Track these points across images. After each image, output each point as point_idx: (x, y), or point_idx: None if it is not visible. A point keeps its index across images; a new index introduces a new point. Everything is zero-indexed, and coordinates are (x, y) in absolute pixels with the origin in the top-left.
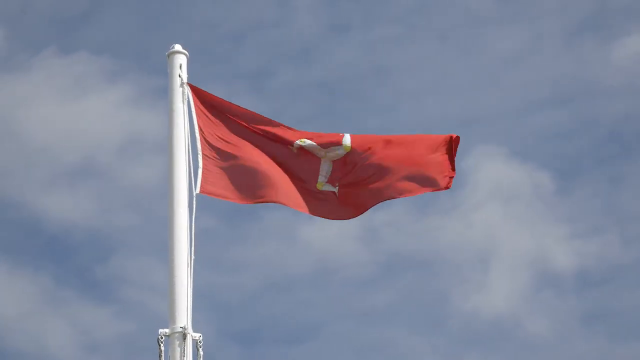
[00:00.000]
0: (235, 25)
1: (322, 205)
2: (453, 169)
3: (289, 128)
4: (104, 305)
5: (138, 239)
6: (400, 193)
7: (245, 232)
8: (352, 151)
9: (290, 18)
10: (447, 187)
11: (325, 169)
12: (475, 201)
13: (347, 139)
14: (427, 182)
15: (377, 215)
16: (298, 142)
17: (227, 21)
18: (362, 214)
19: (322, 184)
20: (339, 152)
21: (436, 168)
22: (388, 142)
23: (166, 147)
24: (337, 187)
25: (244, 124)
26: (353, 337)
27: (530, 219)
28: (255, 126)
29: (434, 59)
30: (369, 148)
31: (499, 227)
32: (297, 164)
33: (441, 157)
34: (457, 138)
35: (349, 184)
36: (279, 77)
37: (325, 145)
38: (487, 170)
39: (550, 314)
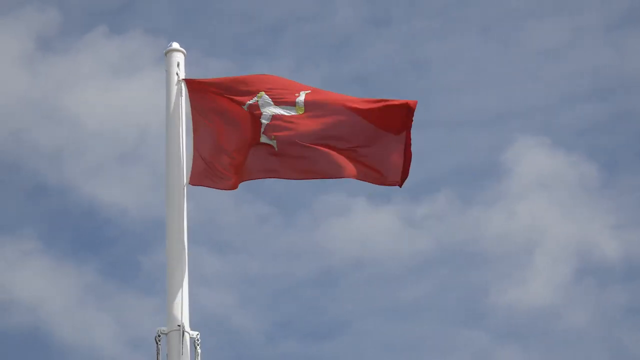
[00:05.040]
0: (274, 17)
1: (258, 162)
2: (407, 172)
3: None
4: (148, 298)
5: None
6: (343, 173)
7: (294, 220)
8: (303, 115)
9: (330, 11)
10: (394, 184)
11: (265, 118)
12: (519, 192)
13: (301, 100)
14: (376, 176)
15: (419, 207)
16: (253, 99)
17: (266, 13)
18: (303, 178)
19: (261, 136)
20: (289, 112)
21: (391, 165)
22: (347, 108)
23: None
24: (275, 141)
25: (231, 103)
26: (387, 332)
27: (573, 210)
28: (237, 98)
29: (474, 52)
30: (324, 112)
31: (542, 217)
32: (251, 127)
33: (398, 155)
34: (414, 103)
35: (288, 142)
36: (317, 70)
37: (278, 102)
38: (529, 161)
39: (593, 305)
